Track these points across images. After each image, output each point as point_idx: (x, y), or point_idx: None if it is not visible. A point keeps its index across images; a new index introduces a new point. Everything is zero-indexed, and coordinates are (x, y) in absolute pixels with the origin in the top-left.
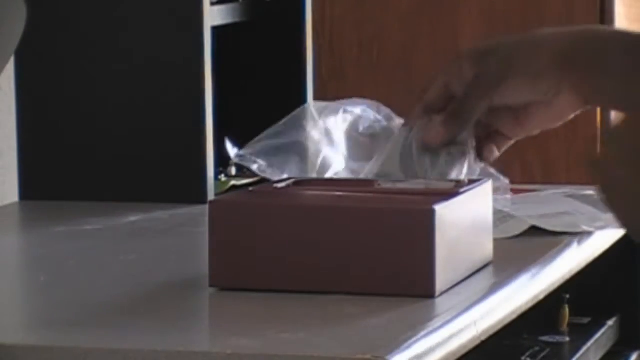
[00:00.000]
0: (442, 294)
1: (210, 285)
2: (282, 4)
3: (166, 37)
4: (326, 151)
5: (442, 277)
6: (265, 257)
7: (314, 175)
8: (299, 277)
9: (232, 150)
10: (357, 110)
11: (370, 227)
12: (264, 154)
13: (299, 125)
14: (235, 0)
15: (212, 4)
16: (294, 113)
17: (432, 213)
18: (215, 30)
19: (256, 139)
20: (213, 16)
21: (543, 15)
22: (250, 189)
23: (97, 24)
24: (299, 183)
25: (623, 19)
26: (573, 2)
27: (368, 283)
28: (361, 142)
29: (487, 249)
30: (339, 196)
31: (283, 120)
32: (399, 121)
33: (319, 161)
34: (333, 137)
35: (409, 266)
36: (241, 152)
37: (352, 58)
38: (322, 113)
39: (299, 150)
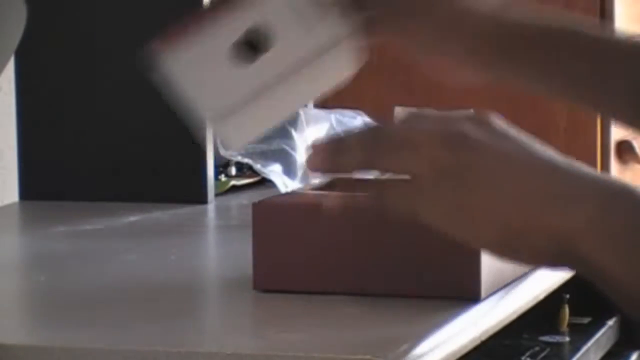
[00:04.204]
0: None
1: (254, 288)
2: None
3: None
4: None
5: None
6: (307, 258)
7: (299, 183)
8: (341, 278)
9: (221, 149)
10: (346, 119)
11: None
12: (249, 156)
13: (287, 132)
14: None
15: None
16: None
17: None
18: None
19: None
20: None
21: None
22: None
23: (97, 24)
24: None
25: (623, 19)
26: (573, 2)
27: (413, 286)
28: None
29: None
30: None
31: None
32: None
33: (300, 171)
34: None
35: (457, 269)
36: (229, 152)
37: None
38: (311, 121)
39: (283, 157)
